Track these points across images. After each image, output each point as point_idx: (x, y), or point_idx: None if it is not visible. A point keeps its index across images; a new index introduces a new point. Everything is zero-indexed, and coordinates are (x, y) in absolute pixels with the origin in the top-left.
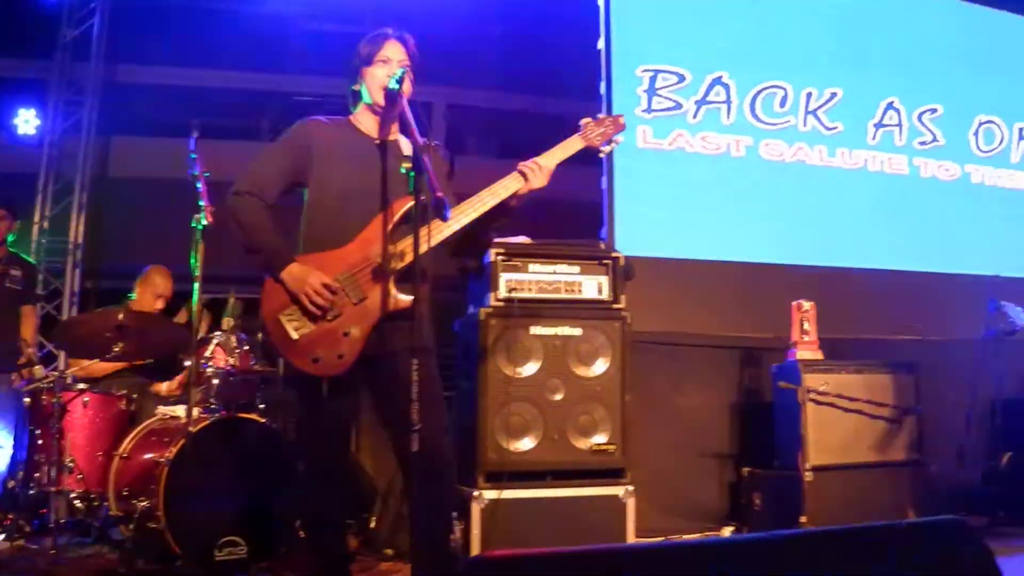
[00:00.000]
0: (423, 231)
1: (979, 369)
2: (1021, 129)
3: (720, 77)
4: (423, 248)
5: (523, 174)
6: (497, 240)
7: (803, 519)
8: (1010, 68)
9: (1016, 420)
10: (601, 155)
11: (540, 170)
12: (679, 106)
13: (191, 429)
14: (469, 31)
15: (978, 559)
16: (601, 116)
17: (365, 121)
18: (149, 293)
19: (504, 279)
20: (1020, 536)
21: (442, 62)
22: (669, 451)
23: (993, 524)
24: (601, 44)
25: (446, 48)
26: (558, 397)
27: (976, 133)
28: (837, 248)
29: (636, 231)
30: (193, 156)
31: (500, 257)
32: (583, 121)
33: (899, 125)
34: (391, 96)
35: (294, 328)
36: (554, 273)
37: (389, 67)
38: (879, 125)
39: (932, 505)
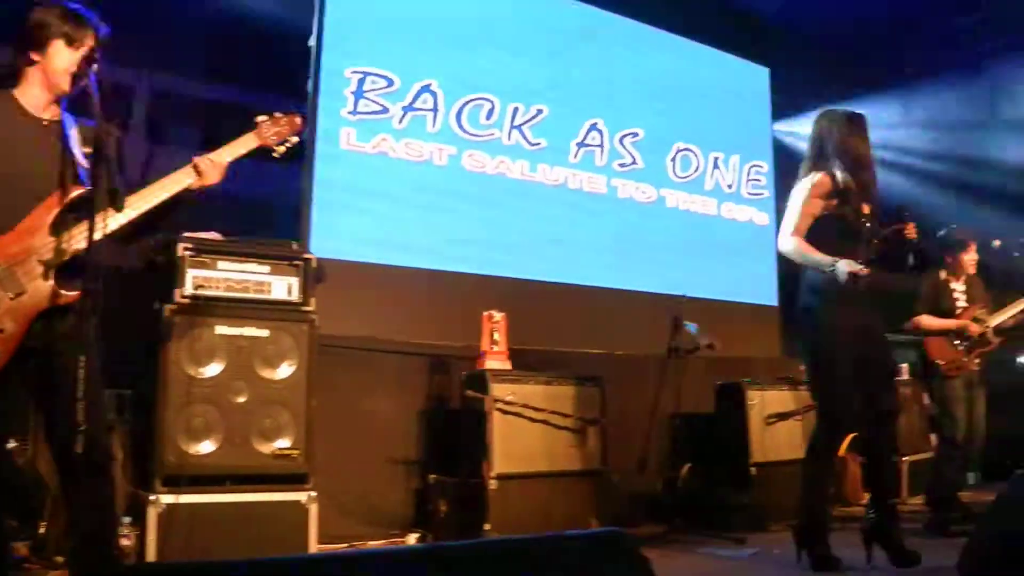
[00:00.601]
0: (96, 221)
1: (661, 384)
2: (716, 159)
3: (429, 85)
4: (90, 240)
5: (197, 169)
6: (186, 235)
7: (487, 527)
8: (710, 100)
9: (694, 433)
10: (275, 155)
11: (213, 166)
12: (386, 110)
13: None
14: (178, 16)
15: (634, 568)
16: (278, 115)
17: (33, 98)
18: None
19: (191, 275)
20: (693, 542)
21: (146, 46)
22: (356, 457)
23: (670, 531)
24: (312, 41)
25: (152, 32)
26: (241, 399)
27: (674, 159)
28: (532, 261)
29: (333, 234)
30: None
31: (188, 252)
32: (260, 119)
33: (601, 146)
34: (76, 76)
35: None
36: (243, 272)
37: (76, 45)
38: (581, 144)
39: (614, 513)
